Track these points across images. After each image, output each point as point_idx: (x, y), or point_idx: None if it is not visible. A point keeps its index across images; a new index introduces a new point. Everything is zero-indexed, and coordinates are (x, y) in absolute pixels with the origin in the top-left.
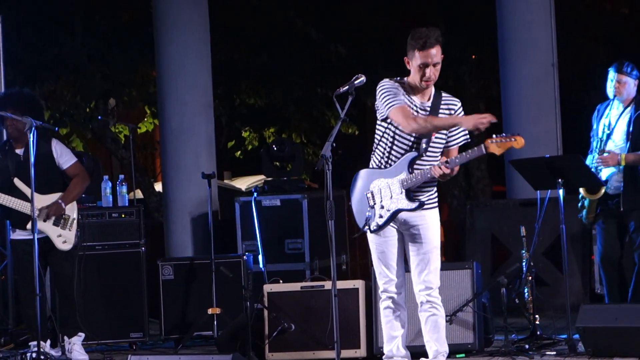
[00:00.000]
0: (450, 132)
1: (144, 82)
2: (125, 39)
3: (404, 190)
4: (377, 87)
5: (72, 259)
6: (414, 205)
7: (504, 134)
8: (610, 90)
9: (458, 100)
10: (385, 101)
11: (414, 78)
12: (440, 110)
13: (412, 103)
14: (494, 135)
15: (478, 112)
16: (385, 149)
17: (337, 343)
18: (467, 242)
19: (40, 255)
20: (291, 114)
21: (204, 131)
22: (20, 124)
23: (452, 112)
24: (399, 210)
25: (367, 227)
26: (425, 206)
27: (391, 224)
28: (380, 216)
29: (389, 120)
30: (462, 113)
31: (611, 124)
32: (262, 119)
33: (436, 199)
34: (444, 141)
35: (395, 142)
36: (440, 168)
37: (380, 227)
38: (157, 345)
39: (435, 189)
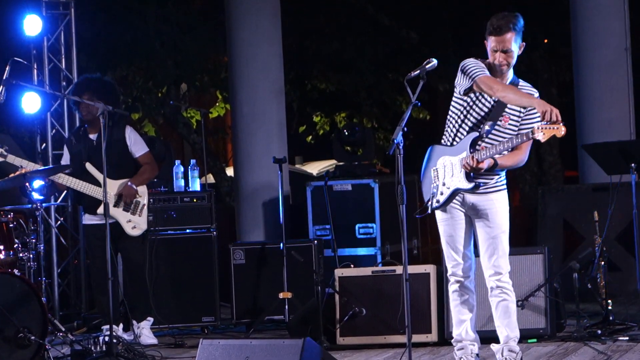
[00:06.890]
0: (522, 121)
1: (216, 68)
2: (196, 25)
3: (463, 170)
4: (462, 63)
5: (143, 244)
6: (470, 185)
7: (549, 121)
8: None
9: (535, 90)
10: (471, 72)
11: (490, 60)
12: None
13: None
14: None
15: (550, 98)
16: (454, 125)
17: (409, 328)
18: (539, 227)
19: (111, 240)
20: (362, 100)
21: (275, 116)
22: (94, 109)
23: None
24: (457, 190)
25: (429, 203)
26: (493, 189)
27: (459, 207)
28: (441, 193)
29: (465, 97)
30: None
31: None
32: (334, 104)
33: (504, 182)
34: (515, 129)
35: (466, 120)
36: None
37: (440, 205)
38: (229, 330)
39: (502, 173)
